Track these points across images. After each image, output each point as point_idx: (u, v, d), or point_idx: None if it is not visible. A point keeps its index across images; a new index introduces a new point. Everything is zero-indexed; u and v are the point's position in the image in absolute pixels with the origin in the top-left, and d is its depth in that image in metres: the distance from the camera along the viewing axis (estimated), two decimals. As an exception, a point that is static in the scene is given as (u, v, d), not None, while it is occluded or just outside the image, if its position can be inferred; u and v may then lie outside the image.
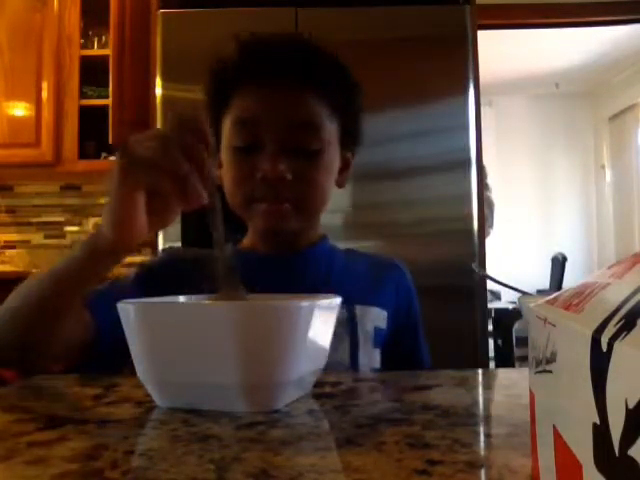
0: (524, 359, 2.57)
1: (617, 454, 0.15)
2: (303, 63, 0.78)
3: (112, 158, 2.57)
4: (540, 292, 3.71)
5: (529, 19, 2.83)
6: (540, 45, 4.26)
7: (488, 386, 0.64)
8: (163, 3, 1.91)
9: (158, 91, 1.86)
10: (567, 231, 5.47)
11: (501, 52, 4.22)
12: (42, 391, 0.58)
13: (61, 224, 2.83)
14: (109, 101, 2.37)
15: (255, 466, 0.34)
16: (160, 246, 1.84)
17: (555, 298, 0.27)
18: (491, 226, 2.53)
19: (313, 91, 0.77)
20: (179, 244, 1.77)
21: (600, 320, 0.18)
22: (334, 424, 0.44)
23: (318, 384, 0.54)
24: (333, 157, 0.80)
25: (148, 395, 0.49)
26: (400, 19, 1.88)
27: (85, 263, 0.61)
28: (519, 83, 5.20)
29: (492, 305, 2.56)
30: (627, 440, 0.15)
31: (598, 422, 0.17)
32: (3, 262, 2.77)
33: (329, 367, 0.55)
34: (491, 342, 2.48)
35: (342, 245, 0.90)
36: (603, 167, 5.43)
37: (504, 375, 0.72)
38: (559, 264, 3.94)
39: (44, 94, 2.53)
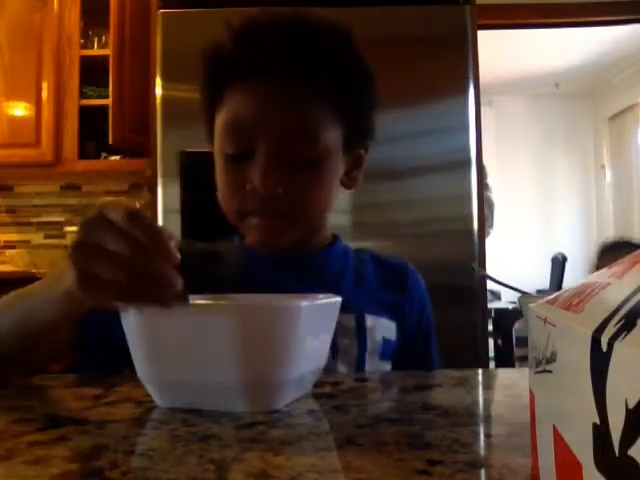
0: (524, 359, 2.57)
1: (617, 454, 0.15)
2: (307, 53, 0.69)
3: (113, 158, 2.58)
4: (540, 292, 3.71)
5: (529, 19, 2.83)
6: (540, 45, 4.26)
7: (488, 386, 0.64)
8: (163, 3, 1.91)
9: (158, 91, 1.86)
10: (567, 231, 5.47)
11: (501, 52, 4.22)
12: (42, 391, 0.57)
13: (61, 224, 2.83)
14: (109, 101, 2.37)
15: (255, 466, 0.34)
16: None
17: (555, 298, 0.27)
18: (491, 226, 2.53)
19: (317, 87, 0.69)
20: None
21: (600, 320, 0.18)
22: (334, 424, 0.44)
23: (318, 384, 0.54)
24: (334, 165, 0.73)
25: (148, 395, 0.49)
26: (400, 19, 1.88)
27: (55, 305, 0.54)
28: (519, 83, 5.20)
29: (492, 305, 2.56)
30: (627, 440, 0.15)
31: (598, 422, 0.17)
32: (3, 262, 2.77)
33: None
34: (491, 342, 2.47)
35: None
36: (603, 167, 5.43)
37: (504, 375, 0.72)
38: (559, 264, 3.94)
39: (44, 94, 2.53)
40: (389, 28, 1.87)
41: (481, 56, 1.88)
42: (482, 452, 0.38)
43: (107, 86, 2.40)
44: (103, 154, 2.58)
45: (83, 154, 2.54)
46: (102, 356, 0.69)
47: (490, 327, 2.21)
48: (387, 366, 0.76)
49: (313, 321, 0.47)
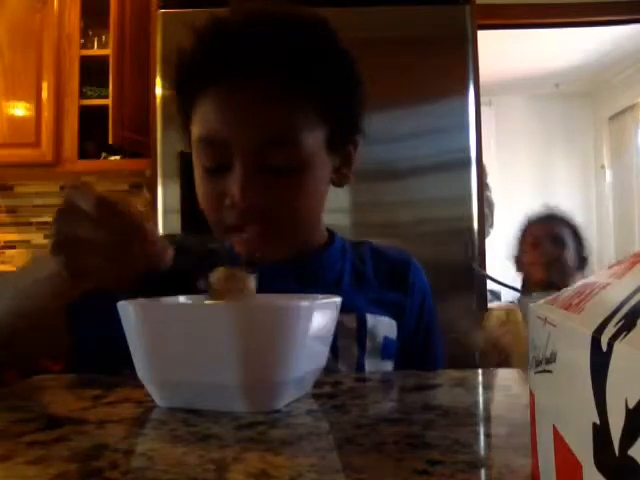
0: (524, 359, 2.57)
1: (617, 454, 0.15)
2: (280, 49, 0.64)
3: (113, 158, 2.58)
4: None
5: (529, 19, 2.82)
6: (540, 45, 4.25)
7: (488, 386, 0.64)
8: (163, 3, 1.91)
9: (158, 91, 1.86)
10: (567, 231, 5.46)
11: (501, 52, 4.22)
12: (42, 391, 0.57)
13: (61, 224, 2.82)
14: (109, 101, 2.37)
15: (255, 466, 0.34)
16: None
17: (555, 298, 0.27)
18: (491, 226, 2.52)
19: (293, 85, 0.65)
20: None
21: (600, 320, 0.18)
22: (334, 424, 0.44)
23: (318, 384, 0.54)
24: (318, 169, 0.69)
25: (148, 395, 0.49)
26: (400, 19, 1.88)
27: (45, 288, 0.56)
28: (519, 83, 5.20)
29: (492, 305, 2.56)
30: (627, 440, 0.15)
31: (598, 422, 0.17)
32: (3, 262, 2.77)
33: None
34: (491, 342, 2.47)
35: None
36: (603, 167, 5.43)
37: (504, 375, 0.72)
38: (559, 264, 3.93)
39: (44, 94, 2.52)
40: (389, 28, 1.87)
41: (481, 56, 1.88)
42: (482, 452, 0.38)
43: (107, 86, 2.40)
44: (103, 154, 2.58)
45: (83, 154, 2.54)
46: (100, 355, 0.69)
47: (490, 327, 2.21)
48: (389, 365, 0.75)
49: (313, 321, 0.47)
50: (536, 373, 0.27)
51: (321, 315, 0.50)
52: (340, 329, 0.67)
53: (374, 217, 1.84)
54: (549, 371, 0.24)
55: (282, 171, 0.66)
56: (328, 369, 0.56)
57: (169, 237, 0.73)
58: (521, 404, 0.47)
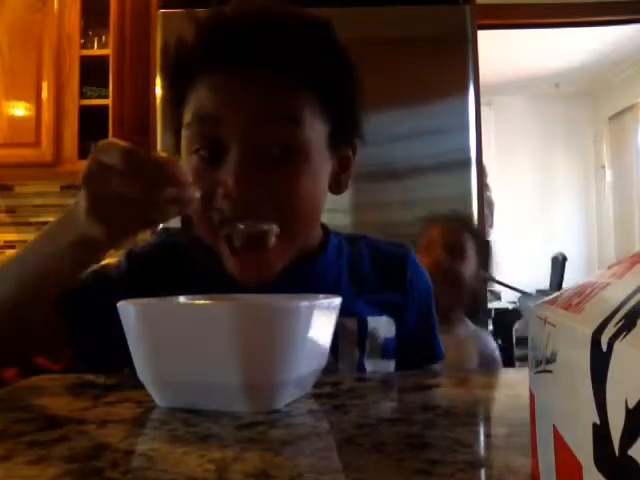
0: (524, 359, 2.57)
1: (617, 454, 0.15)
2: (279, 44, 0.62)
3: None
4: (540, 292, 3.71)
5: (529, 19, 2.83)
6: (540, 45, 4.26)
7: (488, 386, 0.64)
8: (163, 3, 1.91)
9: (158, 91, 1.86)
10: (567, 231, 5.47)
11: (501, 52, 4.22)
12: (42, 391, 0.57)
13: (61, 224, 2.82)
14: (109, 101, 2.37)
15: (255, 466, 0.34)
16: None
17: (555, 298, 0.27)
18: (491, 226, 2.52)
19: (294, 75, 0.62)
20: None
21: (600, 320, 0.18)
22: (334, 424, 0.44)
23: (318, 384, 0.54)
24: (320, 162, 0.66)
25: (148, 395, 0.49)
26: (400, 19, 1.88)
27: (71, 255, 0.56)
28: (519, 83, 5.20)
29: (492, 305, 2.56)
30: (627, 440, 0.15)
31: (598, 422, 0.17)
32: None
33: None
34: (491, 342, 2.47)
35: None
36: (603, 167, 5.43)
37: (504, 375, 0.72)
38: (559, 264, 3.94)
39: (44, 94, 2.52)
40: (389, 28, 1.87)
41: (481, 56, 1.89)
42: (482, 452, 0.39)
43: (107, 86, 2.40)
44: (103, 154, 2.58)
45: (83, 154, 2.54)
46: (98, 353, 0.69)
47: (490, 327, 2.21)
48: (390, 364, 0.74)
49: (313, 321, 0.47)
50: (536, 373, 0.27)
51: (321, 315, 0.50)
52: (341, 332, 0.67)
53: (374, 217, 1.84)
54: (549, 371, 0.24)
55: (280, 158, 0.62)
56: (328, 370, 0.56)
57: (167, 232, 0.73)
58: (521, 404, 0.47)
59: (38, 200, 2.83)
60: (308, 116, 0.63)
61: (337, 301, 0.53)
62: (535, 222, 5.48)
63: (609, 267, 0.25)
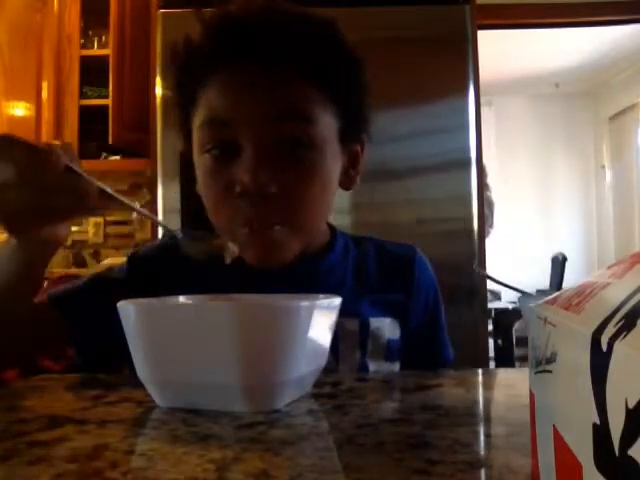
0: (524, 359, 2.58)
1: (617, 454, 0.15)
2: (287, 41, 0.63)
3: (113, 158, 2.58)
4: (540, 292, 3.71)
5: (529, 19, 2.83)
6: (540, 45, 4.25)
7: (488, 386, 0.64)
8: (163, 3, 1.91)
9: (158, 91, 1.85)
10: (567, 231, 5.46)
11: (501, 52, 4.22)
12: (42, 391, 0.57)
13: (61, 224, 2.82)
14: (109, 101, 2.37)
15: (255, 466, 0.34)
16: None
17: (555, 298, 0.27)
18: (491, 226, 2.53)
19: (303, 71, 0.63)
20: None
21: (600, 320, 0.18)
22: (334, 424, 0.44)
23: (318, 384, 0.54)
24: (332, 157, 0.67)
25: (148, 395, 0.49)
26: (400, 19, 1.88)
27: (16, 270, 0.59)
28: (519, 83, 5.20)
29: (492, 305, 2.56)
30: (627, 440, 0.15)
31: (598, 422, 0.17)
32: (3, 262, 2.76)
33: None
34: (491, 342, 2.48)
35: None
36: (603, 167, 5.43)
37: (504, 375, 0.72)
38: (559, 264, 3.94)
39: (44, 94, 2.52)
40: (389, 28, 1.87)
41: (481, 56, 1.88)
42: (482, 452, 0.38)
43: (107, 86, 2.40)
44: (103, 154, 2.58)
45: (83, 154, 2.54)
46: (98, 353, 0.69)
47: (490, 327, 2.22)
48: (394, 366, 0.74)
49: (313, 321, 0.47)
50: (536, 373, 0.27)
51: (321, 315, 0.50)
52: (342, 333, 0.67)
53: (374, 217, 1.84)
54: (549, 371, 0.24)
55: (294, 154, 0.63)
56: (329, 371, 0.56)
57: (169, 234, 0.73)
58: (521, 404, 0.47)
59: (38, 200, 2.83)
60: (319, 112, 0.64)
61: (337, 301, 0.53)
62: (535, 222, 5.48)
63: (609, 267, 0.25)
